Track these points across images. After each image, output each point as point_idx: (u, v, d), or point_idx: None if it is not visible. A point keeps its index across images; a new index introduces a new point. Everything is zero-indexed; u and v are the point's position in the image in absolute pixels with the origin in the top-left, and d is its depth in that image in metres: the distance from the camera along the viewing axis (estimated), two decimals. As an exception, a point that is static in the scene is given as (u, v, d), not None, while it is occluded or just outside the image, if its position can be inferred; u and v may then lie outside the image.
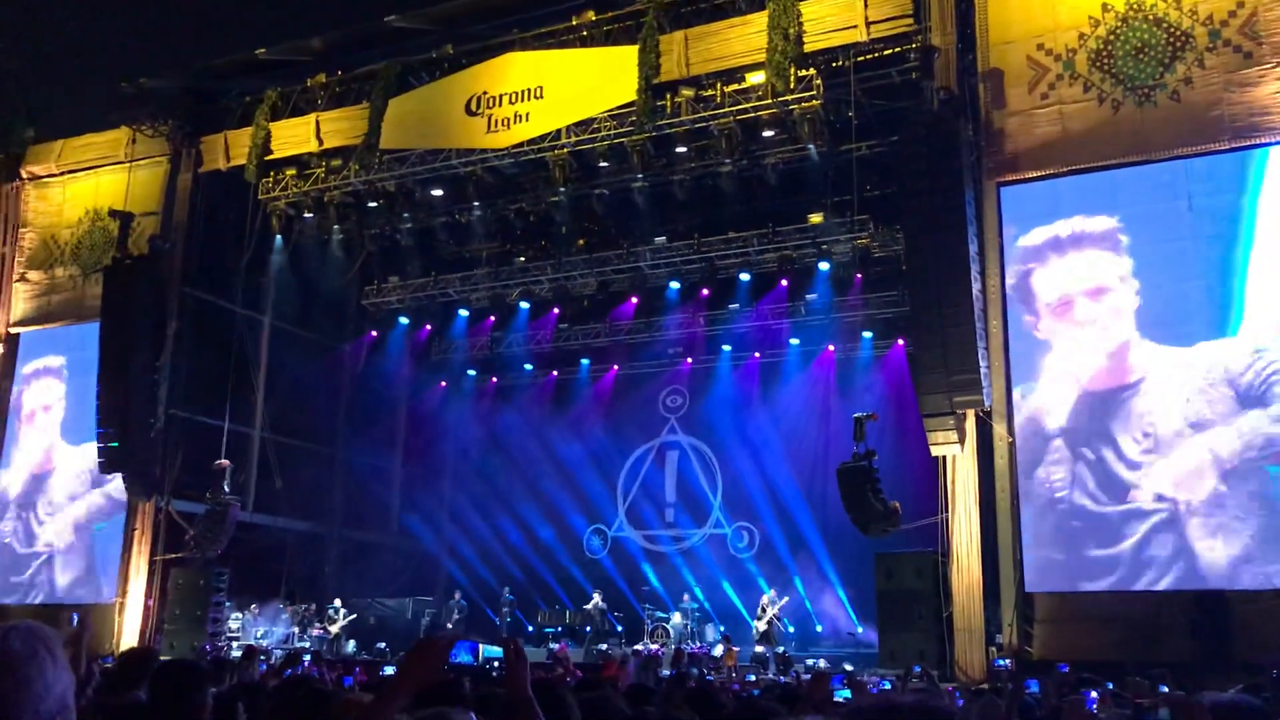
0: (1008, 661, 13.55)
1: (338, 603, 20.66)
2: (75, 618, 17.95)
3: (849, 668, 16.48)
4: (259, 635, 19.69)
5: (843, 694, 6.12)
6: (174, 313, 20.29)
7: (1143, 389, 14.17)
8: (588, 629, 20.36)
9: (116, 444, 19.12)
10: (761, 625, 18.21)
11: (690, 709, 4.38)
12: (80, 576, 20.45)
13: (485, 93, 18.91)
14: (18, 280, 22.38)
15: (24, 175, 22.73)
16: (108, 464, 19.28)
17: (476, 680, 3.97)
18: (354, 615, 20.62)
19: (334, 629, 20.22)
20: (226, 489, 18.93)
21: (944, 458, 14.86)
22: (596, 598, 20.82)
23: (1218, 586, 13.13)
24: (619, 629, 21.23)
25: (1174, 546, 13.51)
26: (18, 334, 22.20)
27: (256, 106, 20.59)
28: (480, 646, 15.97)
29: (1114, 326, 14.55)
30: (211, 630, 18.69)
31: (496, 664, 12.58)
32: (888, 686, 11.62)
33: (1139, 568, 13.66)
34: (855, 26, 16.46)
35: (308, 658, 13.54)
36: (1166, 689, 8.81)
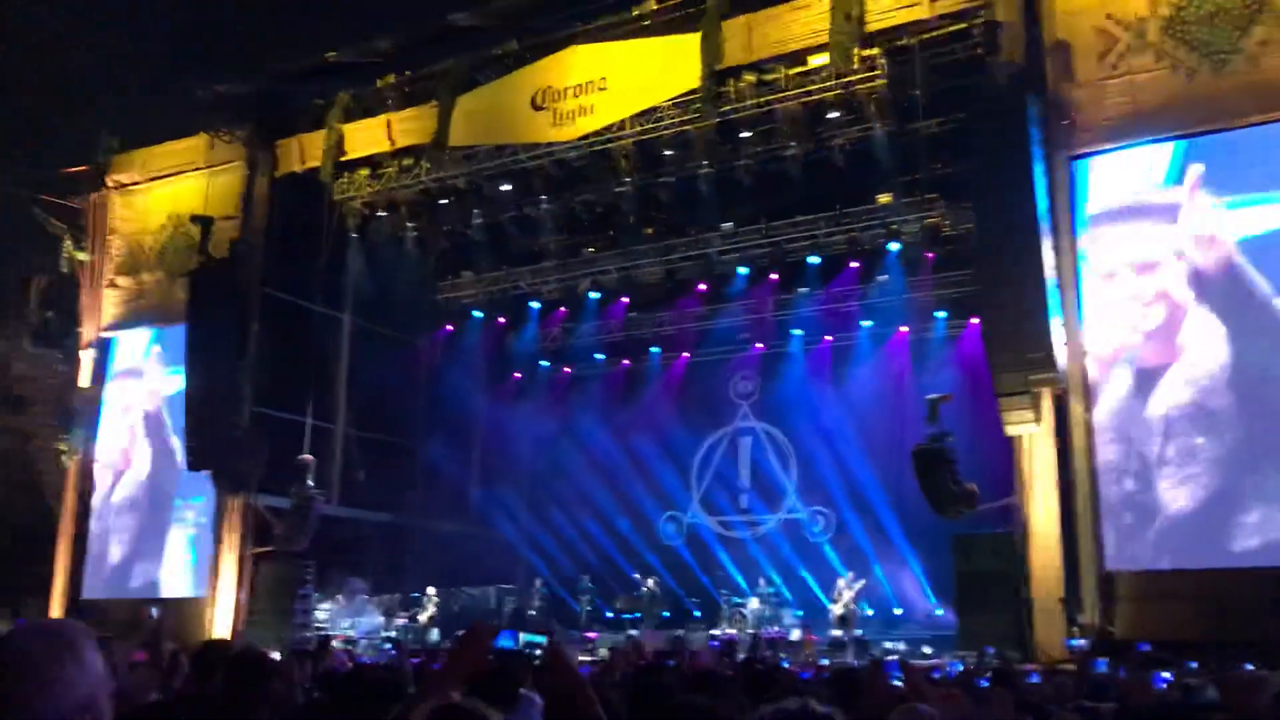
0: (1081, 640, 13.38)
1: (430, 590, 21.03)
2: (154, 612, 18.62)
3: (928, 650, 16.41)
4: (345, 626, 20.17)
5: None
6: (255, 313, 20.81)
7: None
8: (647, 614, 20.53)
9: (204, 442, 19.69)
10: (838, 609, 18.16)
11: (746, 693, 4.45)
12: (172, 571, 21.10)
13: (550, 87, 19.08)
14: (107, 286, 23.12)
15: (110, 184, 23.46)
16: (195, 461, 19.88)
17: (518, 663, 4.08)
18: (444, 604, 20.89)
19: (423, 617, 20.59)
20: (310, 484, 19.39)
21: (1020, 437, 14.68)
22: (650, 583, 20.96)
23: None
24: (697, 614, 21.38)
25: (1261, 521, 13.20)
26: (108, 338, 22.95)
27: (329, 109, 20.99)
28: (520, 633, 16.24)
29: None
30: (299, 622, 19.17)
31: (537, 650, 12.73)
32: (960, 669, 11.55)
33: (1227, 543, 13.38)
34: (919, 3, 16.26)
35: (390, 646, 13.90)
36: (1251, 668, 8.65)
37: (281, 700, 5.89)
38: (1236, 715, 3.05)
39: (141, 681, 6.39)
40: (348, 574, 21.59)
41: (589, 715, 2.85)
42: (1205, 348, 13.94)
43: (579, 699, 2.88)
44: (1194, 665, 8.56)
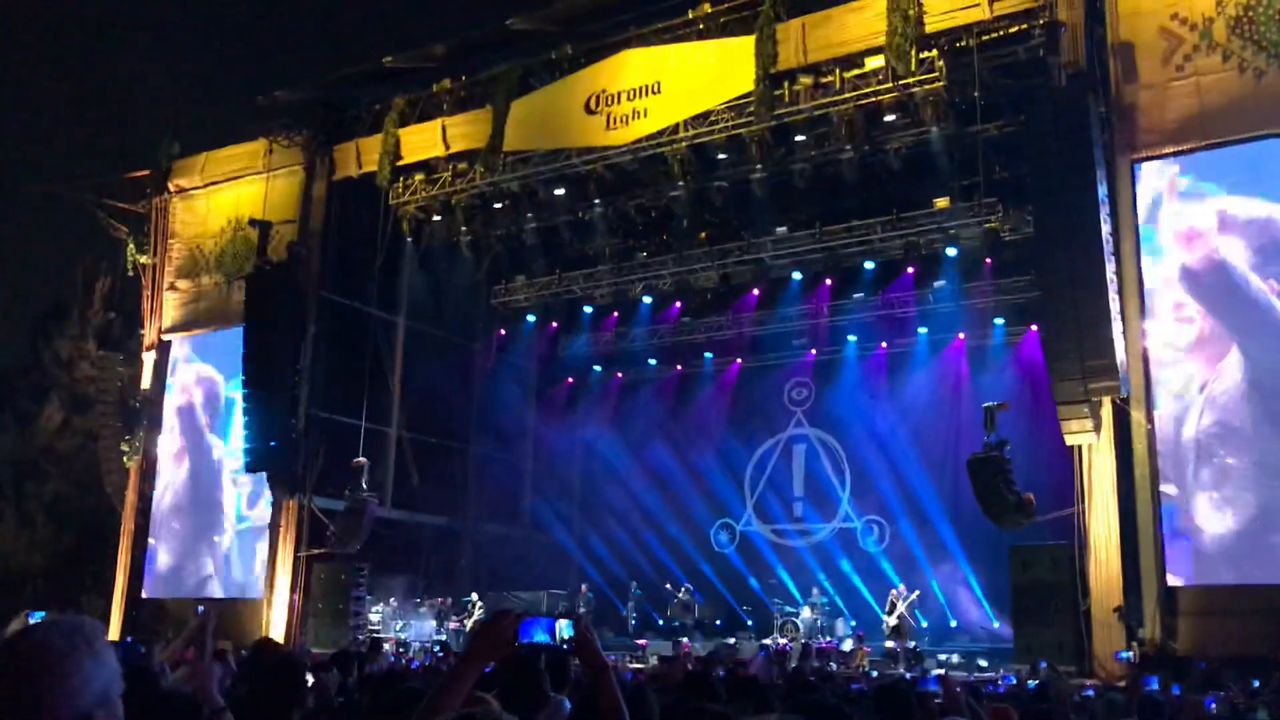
0: (1130, 654, 13.03)
1: (474, 596, 21.10)
2: (201, 610, 18.84)
3: (983, 663, 16.11)
4: (399, 629, 20.28)
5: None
6: (313, 316, 21.01)
7: None
8: (686, 622, 20.43)
9: (261, 443, 19.92)
10: (892, 620, 17.91)
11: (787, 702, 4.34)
12: (231, 572, 21.39)
13: (604, 91, 19.07)
14: (168, 289, 23.52)
15: (171, 189, 23.87)
16: (253, 463, 20.12)
17: (551, 654, 4.01)
18: (491, 610, 20.97)
19: (470, 622, 20.65)
20: (364, 486, 19.53)
21: (1079, 447, 14.36)
22: (681, 593, 20.87)
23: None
24: (749, 623, 21.21)
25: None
26: (169, 340, 23.33)
27: (385, 114, 21.19)
28: (557, 624, 16.14)
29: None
30: (353, 624, 19.31)
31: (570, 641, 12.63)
32: (1013, 682, 11.29)
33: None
34: (978, 4, 16.02)
35: (439, 649, 13.91)
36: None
37: (317, 700, 5.90)
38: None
39: (184, 680, 6.40)
40: (401, 576, 21.71)
41: (610, 702, 2.78)
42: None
43: (601, 683, 2.81)
44: (1256, 684, 8.26)
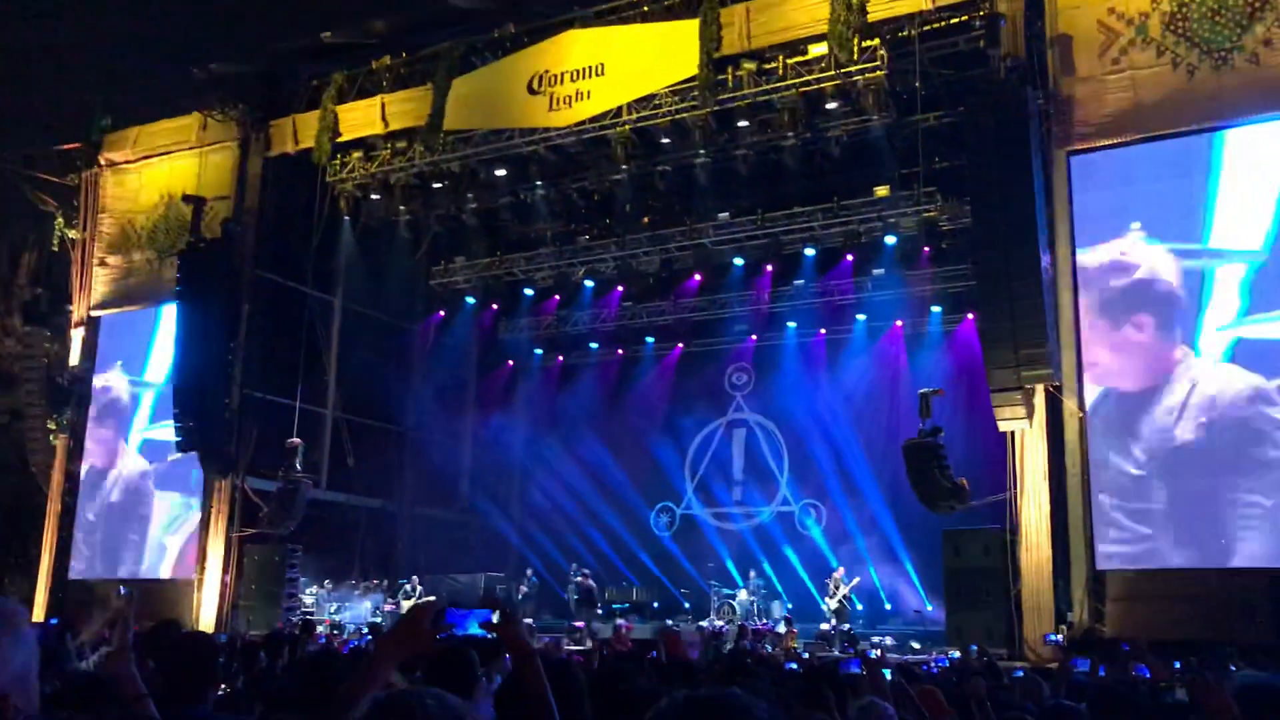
0: (1059, 637, 13.32)
1: (415, 579, 20.94)
2: (123, 591, 18.49)
3: (916, 645, 16.35)
4: (333, 611, 20.08)
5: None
6: (247, 295, 20.67)
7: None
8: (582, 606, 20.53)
9: (193, 423, 19.57)
10: (832, 603, 18.11)
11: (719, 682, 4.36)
12: (161, 553, 20.98)
13: (547, 71, 18.92)
14: (98, 265, 22.94)
15: (102, 162, 23.27)
16: (185, 443, 19.75)
17: (478, 644, 3.97)
18: (428, 592, 20.80)
19: (407, 605, 20.49)
20: (299, 467, 19.28)
21: (1012, 433, 14.60)
22: (573, 570, 20.94)
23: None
24: (686, 605, 21.32)
25: (1255, 521, 13.14)
26: (98, 317, 22.79)
27: (324, 90, 20.81)
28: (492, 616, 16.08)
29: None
30: (286, 606, 19.09)
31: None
32: (945, 665, 11.47)
33: (1217, 543, 13.32)
34: (920, -6, 16.15)
35: (368, 632, 13.79)
36: (1235, 669, 8.59)
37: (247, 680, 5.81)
38: (1204, 715, 3.00)
39: (104, 663, 6.28)
40: (336, 559, 21.49)
41: (535, 689, 2.76)
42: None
43: (527, 671, 2.79)
44: (1178, 665, 8.49)
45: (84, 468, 22.21)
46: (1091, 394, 14.41)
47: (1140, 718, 4.31)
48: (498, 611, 2.75)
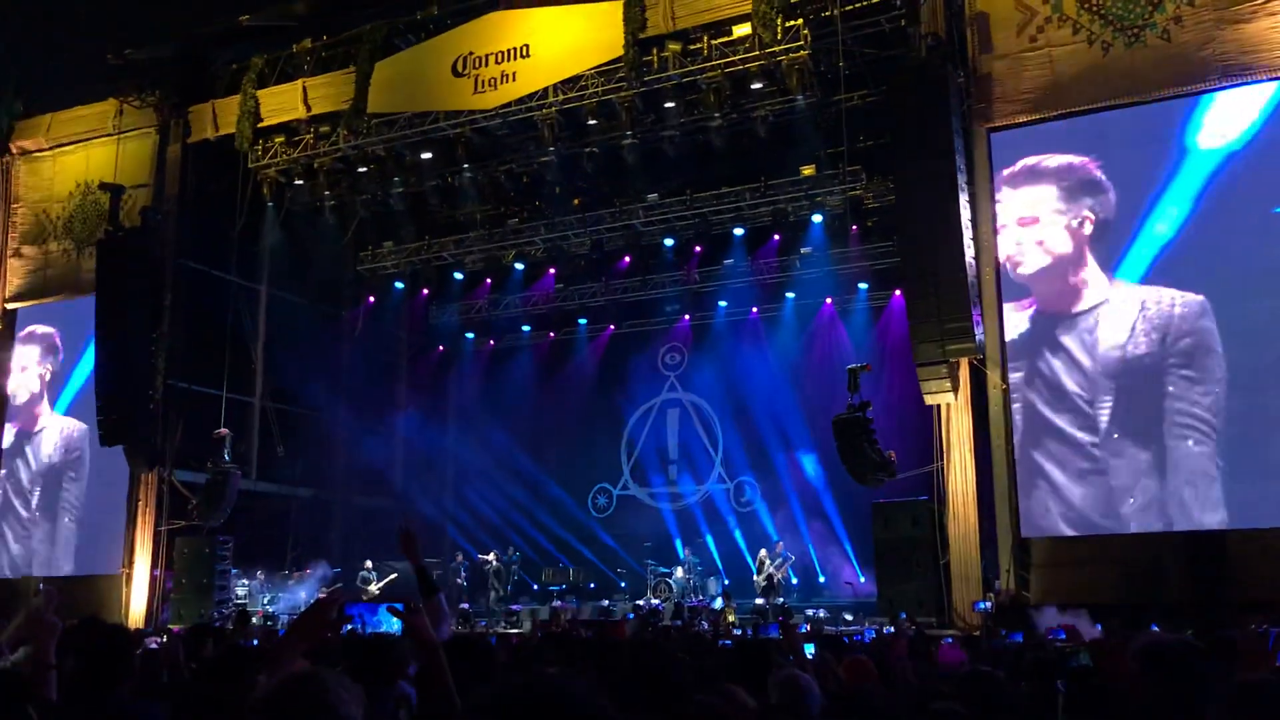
0: (988, 604, 13.65)
1: (369, 564, 20.75)
2: (42, 588, 18.12)
3: (848, 617, 16.63)
4: (266, 602, 19.86)
5: (808, 647, 6.15)
6: (169, 284, 20.25)
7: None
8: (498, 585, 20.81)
9: (116, 416, 19.18)
10: (761, 579, 18.34)
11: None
12: (86, 549, 20.54)
13: (471, 53, 18.75)
14: (12, 256, 22.32)
15: (14, 150, 22.60)
16: (108, 436, 19.34)
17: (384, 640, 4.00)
18: (394, 575, 20.50)
19: (373, 589, 20.29)
20: (227, 458, 19.00)
21: (938, 406, 14.87)
22: (491, 557, 21.08)
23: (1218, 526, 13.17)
24: (623, 585, 21.44)
25: (1158, 487, 13.55)
26: (15, 309, 22.19)
27: (243, 74, 20.40)
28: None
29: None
30: (218, 598, 18.83)
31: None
32: (871, 635, 11.69)
33: (1134, 509, 13.71)
34: (842, -27, 16.27)
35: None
36: (1157, 628, 8.88)
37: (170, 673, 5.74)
38: (1106, 677, 3.11)
39: (23, 663, 6.15)
40: (268, 549, 21.21)
41: (439, 683, 2.83)
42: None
43: (431, 666, 2.87)
44: (1099, 628, 8.74)
45: (1, 464, 21.64)
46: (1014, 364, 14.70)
47: (1048, 679, 4.45)
48: (401, 606, 2.85)
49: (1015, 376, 14.68)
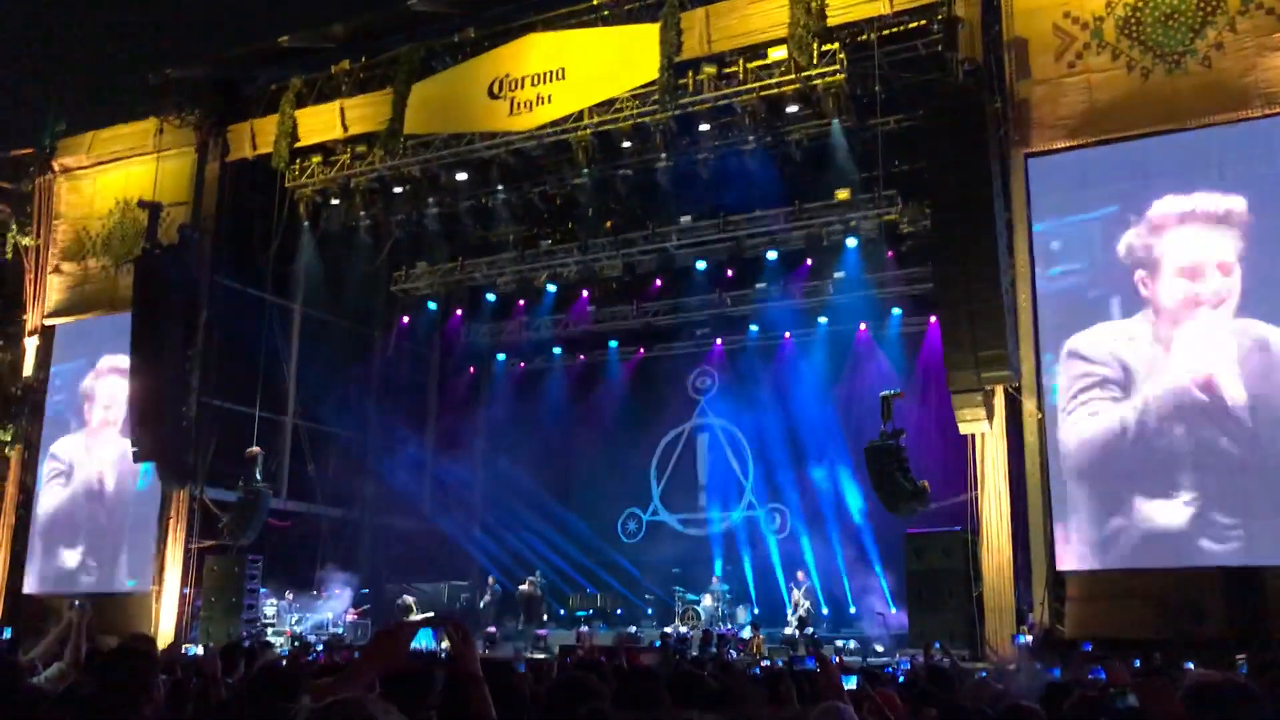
0: (1027, 638, 13.38)
1: (406, 598, 20.75)
2: (77, 604, 18.16)
3: (879, 648, 16.37)
4: (294, 622, 19.84)
5: (848, 680, 6.03)
6: (205, 302, 20.42)
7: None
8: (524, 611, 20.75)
9: (149, 433, 19.28)
10: (795, 614, 18.15)
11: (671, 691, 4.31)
12: (119, 566, 20.61)
13: (507, 75, 18.84)
14: (52, 272, 22.59)
15: (56, 168, 22.94)
16: (141, 453, 19.45)
17: (432, 663, 3.92)
18: (431, 614, 20.35)
19: (415, 618, 20.16)
20: (258, 477, 19.06)
21: (973, 435, 14.65)
22: (528, 583, 20.92)
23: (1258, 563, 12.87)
24: (649, 611, 21.27)
25: (1206, 522, 13.25)
26: (53, 325, 22.43)
27: (282, 95, 20.62)
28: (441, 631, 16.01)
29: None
30: (246, 617, 18.84)
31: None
32: (907, 667, 11.48)
33: (1175, 545, 13.42)
34: (879, -1, 16.22)
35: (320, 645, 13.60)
36: (1192, 667, 8.65)
37: (199, 697, 5.68)
38: (1154, 718, 2.98)
39: (56, 679, 6.14)
40: (297, 569, 21.22)
41: (480, 712, 2.72)
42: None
43: (472, 695, 2.75)
44: (1137, 663, 8.53)
45: (42, 480, 21.80)
46: (1051, 394, 14.47)
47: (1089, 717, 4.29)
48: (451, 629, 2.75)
49: (1059, 405, 14.45)
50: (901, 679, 8.15)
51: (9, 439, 21.93)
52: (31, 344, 22.43)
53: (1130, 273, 14.33)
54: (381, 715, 2.16)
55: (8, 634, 18.24)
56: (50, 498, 21.67)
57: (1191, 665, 8.60)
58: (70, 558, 21.13)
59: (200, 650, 14.94)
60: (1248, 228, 13.73)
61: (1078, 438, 14.21)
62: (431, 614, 19.95)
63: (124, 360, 20.09)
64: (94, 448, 21.51)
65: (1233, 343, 13.55)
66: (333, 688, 2.67)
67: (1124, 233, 14.43)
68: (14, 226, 22.88)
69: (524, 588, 20.98)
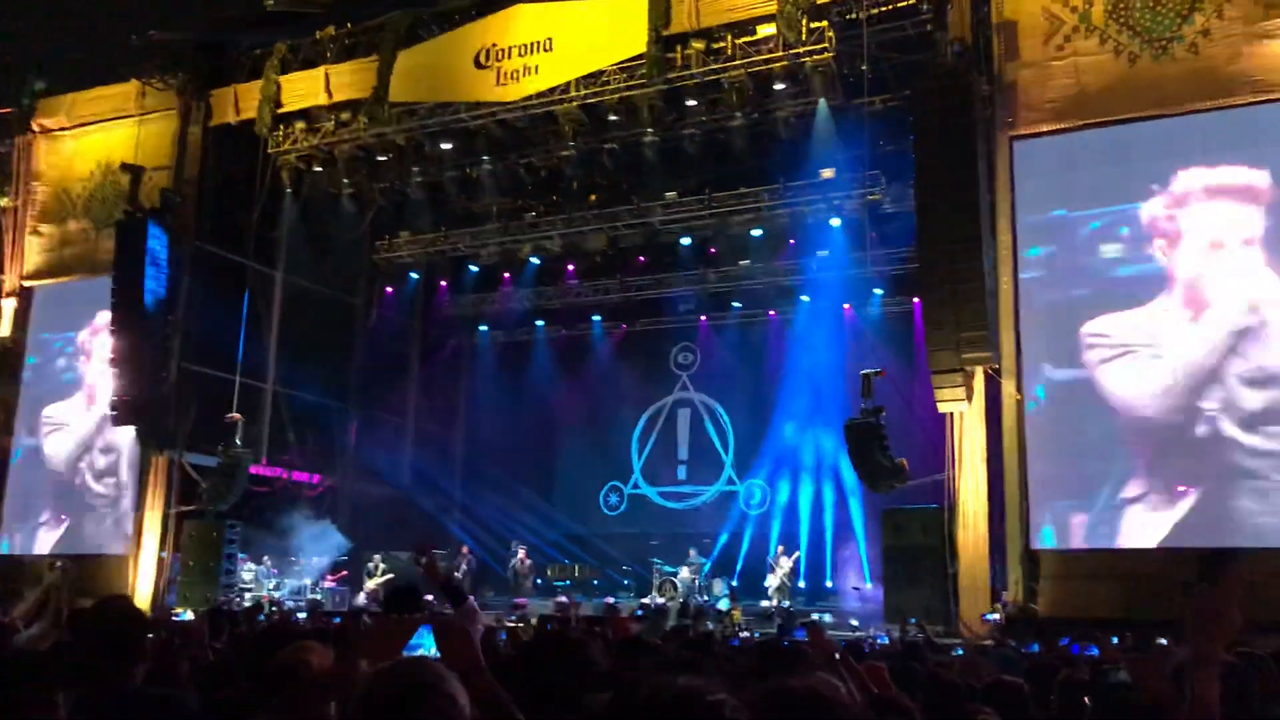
0: (996, 615, 13.57)
1: (376, 558, 20.73)
2: (58, 565, 18.16)
3: (855, 623, 16.55)
4: (272, 588, 19.86)
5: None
6: (186, 267, 20.30)
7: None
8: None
9: (129, 397, 19.21)
10: (774, 581, 18.31)
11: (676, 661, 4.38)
12: (97, 529, 20.56)
13: (494, 45, 18.73)
14: (30, 234, 22.38)
15: (35, 128, 22.67)
16: (120, 417, 19.38)
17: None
18: (390, 574, 20.31)
19: (371, 584, 20.21)
20: (238, 442, 19.01)
21: (952, 414, 14.79)
22: (520, 554, 20.95)
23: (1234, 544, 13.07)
24: (626, 583, 21.41)
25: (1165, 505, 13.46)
26: (31, 288, 22.25)
27: (266, 59, 20.42)
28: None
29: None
30: (224, 583, 18.86)
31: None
32: (884, 641, 11.64)
33: (1147, 523, 13.62)
34: (869, -23, 16.21)
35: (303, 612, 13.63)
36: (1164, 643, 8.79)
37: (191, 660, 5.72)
38: (1147, 694, 3.07)
39: (37, 638, 6.15)
40: (276, 535, 21.20)
41: (485, 696, 2.65)
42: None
43: (474, 680, 2.57)
44: (1116, 640, 8.69)
45: (17, 442, 21.69)
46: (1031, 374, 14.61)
47: (1075, 692, 4.39)
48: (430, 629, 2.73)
49: (1038, 385, 14.60)
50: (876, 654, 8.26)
51: (-14, 401, 21.78)
52: (9, 305, 22.25)
53: (1117, 258, 14.46)
54: (447, 676, 2.15)
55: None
56: (26, 460, 21.52)
57: (1164, 641, 8.75)
58: (45, 520, 21.05)
59: (190, 615, 15.02)
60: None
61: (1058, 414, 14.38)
62: (391, 574, 20.00)
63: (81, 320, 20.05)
64: (69, 409, 21.37)
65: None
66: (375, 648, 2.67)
67: (1104, 218, 14.56)
68: (-9, 187, 22.65)
69: (519, 559, 20.96)
